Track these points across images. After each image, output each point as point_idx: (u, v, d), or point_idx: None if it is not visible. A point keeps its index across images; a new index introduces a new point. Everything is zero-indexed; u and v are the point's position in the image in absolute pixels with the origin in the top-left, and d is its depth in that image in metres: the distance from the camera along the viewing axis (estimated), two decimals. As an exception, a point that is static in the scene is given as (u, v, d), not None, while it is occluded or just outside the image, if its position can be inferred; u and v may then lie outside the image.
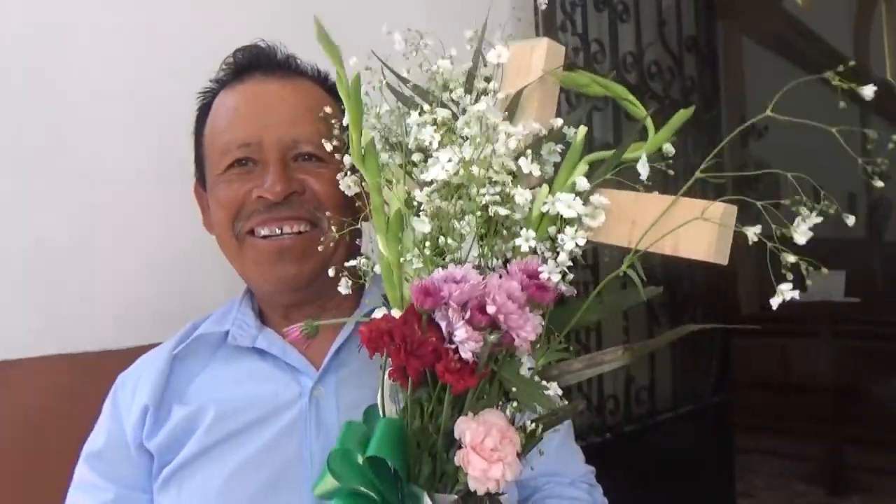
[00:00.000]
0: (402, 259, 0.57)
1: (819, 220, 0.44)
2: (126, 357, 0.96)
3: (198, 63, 0.88)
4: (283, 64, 0.82)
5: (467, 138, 0.54)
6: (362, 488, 0.57)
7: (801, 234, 0.43)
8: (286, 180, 0.74)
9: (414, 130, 0.59)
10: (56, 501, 0.83)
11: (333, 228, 0.74)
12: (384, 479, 0.56)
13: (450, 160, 0.51)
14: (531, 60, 0.59)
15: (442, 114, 0.56)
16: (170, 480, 0.75)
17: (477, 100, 0.58)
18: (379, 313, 0.59)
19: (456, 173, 0.52)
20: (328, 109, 0.69)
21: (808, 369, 3.95)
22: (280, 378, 0.78)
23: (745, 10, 5.82)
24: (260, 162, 0.76)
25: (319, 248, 0.70)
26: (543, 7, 1.06)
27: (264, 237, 0.76)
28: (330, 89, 0.82)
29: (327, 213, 0.75)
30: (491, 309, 0.50)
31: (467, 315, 0.51)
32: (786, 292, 0.43)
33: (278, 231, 0.75)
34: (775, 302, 0.43)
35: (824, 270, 0.42)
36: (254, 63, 0.81)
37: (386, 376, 0.59)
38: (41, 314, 1.10)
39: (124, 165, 1.18)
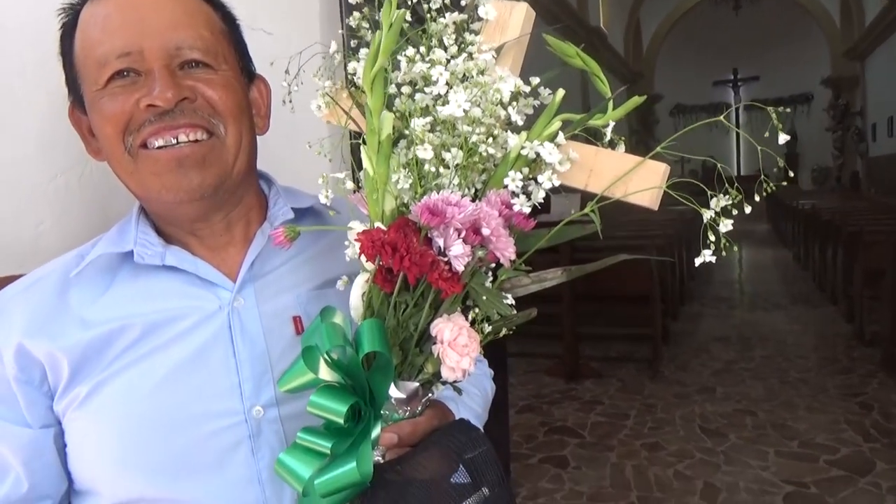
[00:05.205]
0: (390, 179, 0.64)
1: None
2: None
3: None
4: None
5: (465, 80, 0.62)
6: (333, 380, 0.64)
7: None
8: (176, 86, 0.72)
9: (405, 66, 0.64)
10: None
11: (231, 136, 0.75)
12: (355, 370, 0.64)
13: (467, 101, 0.59)
14: (509, 20, 0.68)
15: (440, 55, 0.63)
16: (88, 399, 0.73)
17: (460, 49, 0.65)
18: (357, 226, 0.65)
19: (466, 112, 0.60)
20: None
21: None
22: (196, 293, 0.78)
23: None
24: (143, 72, 0.72)
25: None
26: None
27: (160, 148, 0.73)
28: None
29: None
30: (485, 231, 0.60)
31: (462, 234, 0.61)
32: (707, 255, 0.61)
33: (174, 140, 0.72)
34: (698, 261, 0.61)
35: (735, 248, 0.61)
36: None
37: (360, 282, 0.66)
38: None
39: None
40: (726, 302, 7.09)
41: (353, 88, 0.70)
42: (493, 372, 1.01)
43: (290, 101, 0.73)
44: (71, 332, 0.74)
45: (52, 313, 0.75)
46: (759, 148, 0.64)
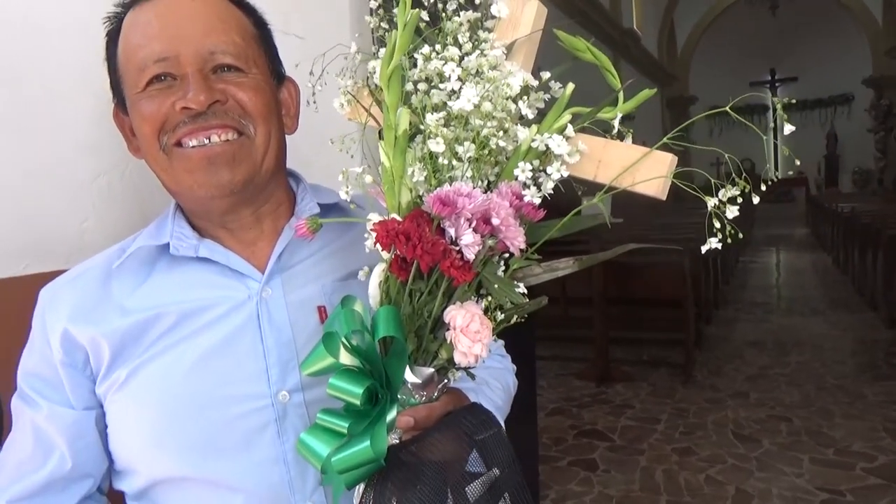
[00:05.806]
0: (405, 172, 0.67)
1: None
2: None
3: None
4: None
5: (477, 75, 0.65)
6: (352, 364, 0.67)
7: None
8: (208, 89, 0.76)
9: (421, 63, 0.67)
10: None
11: (260, 135, 0.79)
12: (372, 354, 0.67)
13: (477, 96, 0.62)
14: (521, 16, 0.70)
15: (454, 52, 0.66)
16: (126, 382, 0.78)
17: (474, 47, 0.68)
18: (376, 218, 0.68)
19: (477, 106, 0.62)
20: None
21: (582, 284, 4.65)
22: (227, 283, 0.82)
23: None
24: (179, 76, 0.77)
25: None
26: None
27: (193, 147, 0.77)
28: None
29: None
30: (495, 221, 0.63)
31: (473, 224, 0.63)
32: (713, 243, 0.62)
33: (206, 140, 0.77)
34: (704, 248, 0.63)
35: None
36: None
37: (378, 272, 0.69)
38: None
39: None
40: (762, 306, 6.96)
41: (373, 87, 0.73)
42: (516, 367, 1.03)
43: (314, 102, 0.77)
44: (112, 319, 0.79)
45: (95, 301, 0.80)
46: (769, 143, 0.65)
